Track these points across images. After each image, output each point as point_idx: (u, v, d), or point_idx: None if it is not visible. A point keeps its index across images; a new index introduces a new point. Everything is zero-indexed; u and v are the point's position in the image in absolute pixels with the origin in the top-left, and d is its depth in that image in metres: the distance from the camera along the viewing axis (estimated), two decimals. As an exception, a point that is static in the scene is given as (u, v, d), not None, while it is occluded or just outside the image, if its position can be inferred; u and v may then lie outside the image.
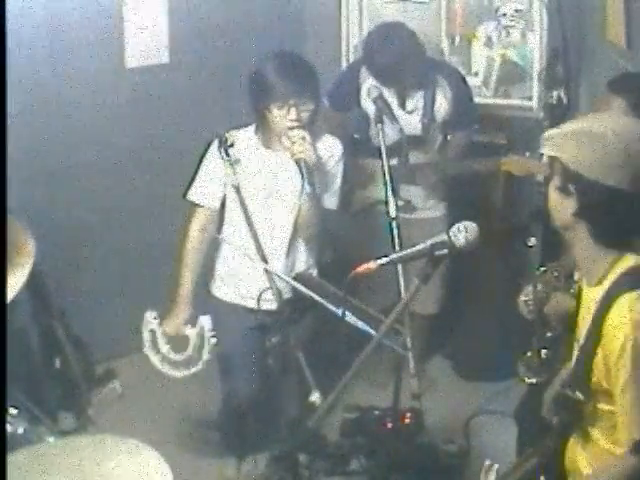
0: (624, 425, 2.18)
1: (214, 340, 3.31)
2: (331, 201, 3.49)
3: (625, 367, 2.14)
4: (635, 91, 3.07)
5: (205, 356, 3.32)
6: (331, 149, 3.47)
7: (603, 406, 2.27)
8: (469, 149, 4.18)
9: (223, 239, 3.52)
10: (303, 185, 3.27)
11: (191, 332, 3.36)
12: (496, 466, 2.43)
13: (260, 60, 3.41)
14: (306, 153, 3.25)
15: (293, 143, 3.27)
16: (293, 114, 3.28)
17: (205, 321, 3.34)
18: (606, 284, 2.21)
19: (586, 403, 2.27)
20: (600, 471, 2.29)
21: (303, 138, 3.26)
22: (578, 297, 2.40)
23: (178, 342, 3.40)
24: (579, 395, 2.26)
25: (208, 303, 3.60)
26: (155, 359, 3.41)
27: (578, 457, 2.39)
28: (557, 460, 2.42)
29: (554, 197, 2.25)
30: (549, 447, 2.42)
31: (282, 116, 3.28)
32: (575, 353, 2.34)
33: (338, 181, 3.50)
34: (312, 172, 3.28)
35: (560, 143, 2.21)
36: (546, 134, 2.26)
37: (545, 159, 2.35)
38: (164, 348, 3.38)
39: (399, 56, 3.85)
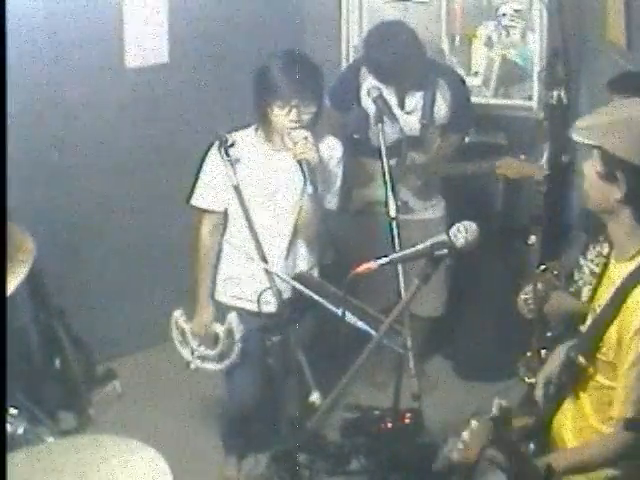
0: (620, 401, 2.22)
1: (241, 335, 3.41)
2: (331, 202, 3.49)
3: (638, 345, 2.18)
4: (635, 90, 3.08)
5: (236, 350, 3.43)
6: (332, 150, 3.47)
7: (603, 380, 2.30)
8: (460, 151, 4.16)
9: (225, 240, 3.52)
10: (305, 186, 3.25)
11: (220, 329, 3.46)
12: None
13: (267, 57, 3.39)
14: (308, 154, 3.24)
15: (295, 143, 3.25)
16: (294, 115, 3.26)
17: (233, 318, 3.41)
18: (638, 261, 2.26)
19: (586, 370, 2.31)
20: (585, 447, 2.33)
21: (306, 138, 3.25)
22: (603, 269, 2.43)
23: (208, 339, 3.49)
24: (581, 359, 2.31)
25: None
26: (186, 354, 3.54)
27: (564, 430, 2.42)
28: (547, 429, 2.46)
29: (597, 183, 2.27)
30: (542, 410, 2.48)
31: (283, 116, 3.27)
32: (589, 321, 2.38)
33: (338, 182, 3.49)
34: (314, 173, 3.28)
35: (602, 132, 2.23)
36: (581, 123, 2.29)
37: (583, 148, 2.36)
38: (194, 344, 3.52)
39: (399, 55, 3.85)
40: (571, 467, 2.29)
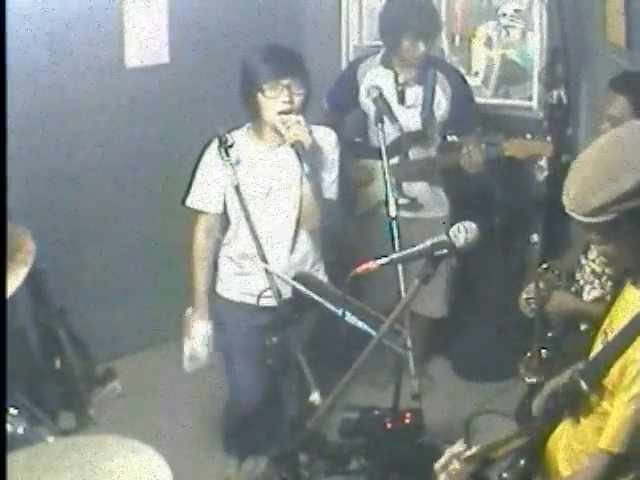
0: (612, 431, 2.14)
1: (208, 347, 3.48)
2: (331, 190, 3.47)
3: None
4: (637, 89, 3.08)
5: (203, 358, 3.48)
6: (326, 136, 3.47)
7: (608, 407, 2.23)
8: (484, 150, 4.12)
9: (224, 239, 3.52)
10: (302, 168, 3.26)
11: (194, 332, 3.49)
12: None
13: (249, 51, 3.42)
14: (302, 136, 3.25)
15: (288, 128, 3.26)
16: (286, 95, 3.27)
17: (204, 327, 3.46)
18: None
19: (588, 396, 2.24)
20: (580, 473, 2.27)
21: (298, 122, 3.26)
22: (616, 293, 2.34)
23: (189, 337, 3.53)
24: (584, 386, 2.23)
25: (212, 301, 3.60)
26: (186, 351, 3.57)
27: (558, 453, 2.38)
28: (540, 447, 2.41)
29: (632, 248, 2.13)
30: (537, 430, 2.41)
31: (275, 97, 3.27)
32: (598, 346, 2.31)
33: (336, 169, 3.48)
34: (309, 155, 3.27)
35: (628, 200, 2.05)
36: (595, 201, 2.06)
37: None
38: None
39: (414, 7, 3.93)
40: None
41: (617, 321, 2.26)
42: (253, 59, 3.34)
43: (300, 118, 3.27)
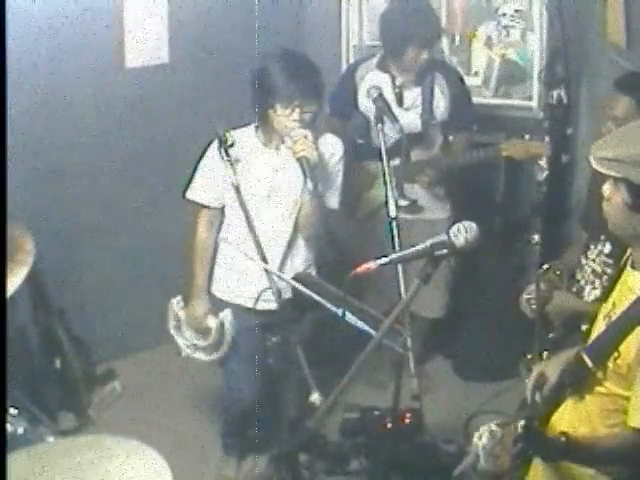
0: (634, 409, 2.17)
1: (233, 333, 3.46)
2: (333, 200, 3.49)
3: None
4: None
5: (226, 345, 3.48)
6: (332, 148, 3.47)
7: (612, 387, 2.26)
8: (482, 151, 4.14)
9: (224, 240, 3.52)
10: (305, 183, 3.27)
11: (212, 323, 3.49)
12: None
13: (266, 58, 3.40)
14: (308, 151, 3.25)
15: (295, 142, 3.27)
16: (296, 115, 3.28)
17: (226, 315, 3.46)
18: None
19: (594, 375, 2.27)
20: (598, 440, 2.30)
21: (305, 137, 3.26)
22: (619, 274, 2.38)
23: (200, 330, 3.52)
24: (588, 362, 2.26)
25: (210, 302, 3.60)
26: (180, 341, 3.59)
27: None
28: (542, 426, 2.42)
29: (625, 214, 2.23)
30: (541, 404, 2.45)
31: (286, 116, 3.28)
32: (602, 326, 2.34)
33: (339, 180, 3.50)
34: (314, 170, 3.28)
35: (629, 165, 2.17)
36: (603, 153, 2.21)
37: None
38: (187, 333, 3.55)
39: (418, 16, 3.92)
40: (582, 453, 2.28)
41: (620, 304, 2.29)
42: (269, 73, 3.31)
43: (307, 133, 3.27)
